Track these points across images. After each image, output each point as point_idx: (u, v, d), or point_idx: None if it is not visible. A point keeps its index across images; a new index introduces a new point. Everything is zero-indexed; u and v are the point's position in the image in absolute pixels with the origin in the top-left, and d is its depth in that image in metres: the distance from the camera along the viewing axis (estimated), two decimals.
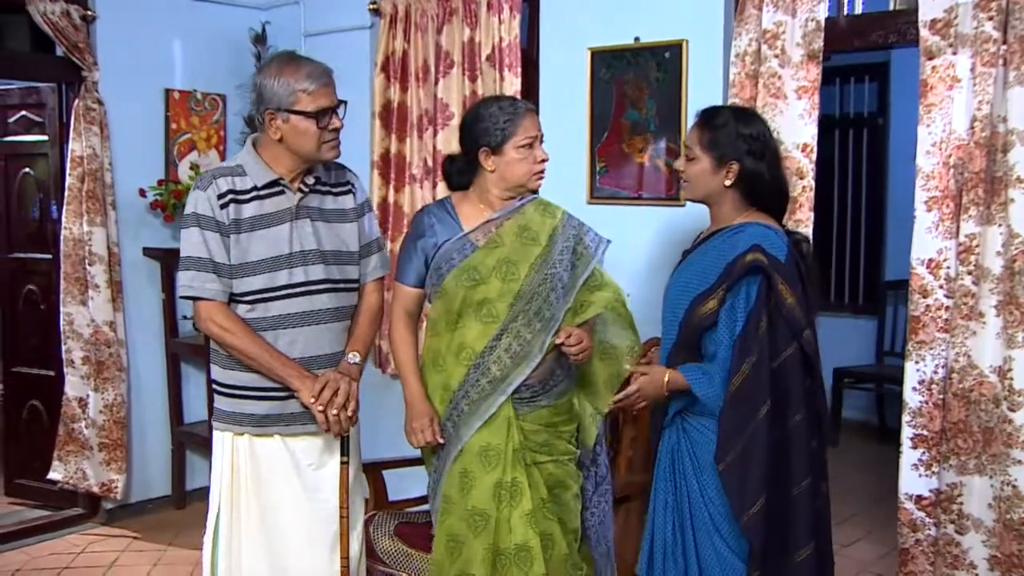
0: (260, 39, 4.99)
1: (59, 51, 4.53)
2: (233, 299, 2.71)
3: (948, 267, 3.13)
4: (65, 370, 4.61)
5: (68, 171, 4.52)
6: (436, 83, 4.41)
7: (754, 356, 2.40)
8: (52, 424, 4.72)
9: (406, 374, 2.88)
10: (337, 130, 2.70)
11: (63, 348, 4.59)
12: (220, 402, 2.79)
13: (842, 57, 6.19)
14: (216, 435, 2.80)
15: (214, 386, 2.81)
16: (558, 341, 2.73)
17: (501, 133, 2.77)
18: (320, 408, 2.62)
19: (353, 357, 2.78)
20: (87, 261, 4.53)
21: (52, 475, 4.67)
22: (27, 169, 4.90)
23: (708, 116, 2.62)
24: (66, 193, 4.53)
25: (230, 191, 2.68)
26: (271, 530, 2.76)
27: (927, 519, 3.21)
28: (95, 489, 4.65)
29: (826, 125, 7.16)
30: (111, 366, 4.60)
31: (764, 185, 2.56)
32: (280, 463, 2.77)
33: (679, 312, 2.58)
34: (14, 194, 4.97)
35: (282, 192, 2.73)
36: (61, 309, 4.58)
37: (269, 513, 2.76)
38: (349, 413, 2.67)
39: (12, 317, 5.04)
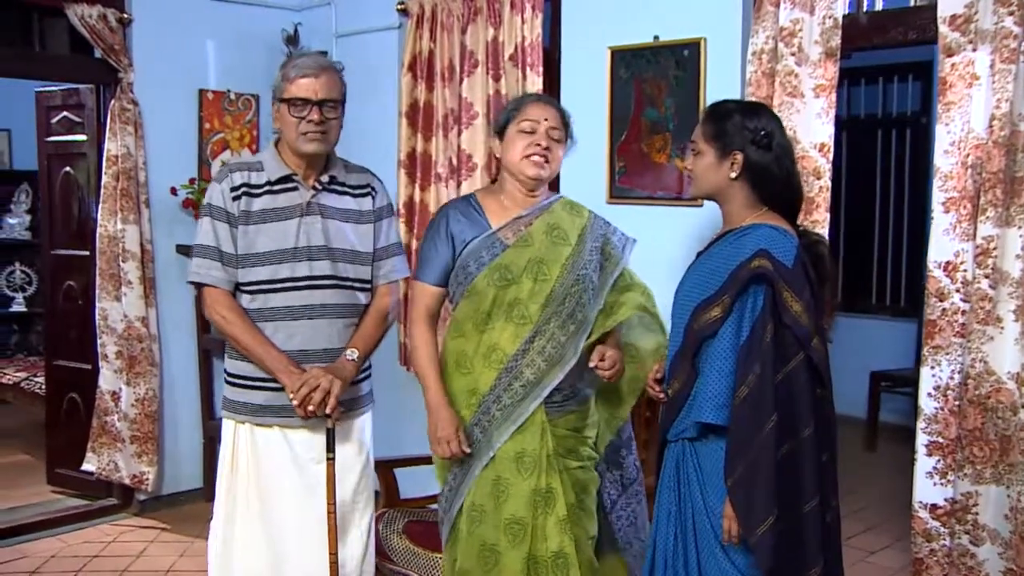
0: (292, 40, 5.05)
1: (97, 53, 4.64)
2: (239, 289, 2.78)
3: (965, 270, 3.05)
4: (100, 364, 4.73)
5: (104, 170, 4.64)
6: (461, 82, 4.42)
7: (758, 367, 2.31)
8: (88, 416, 4.84)
9: (428, 380, 2.78)
10: (314, 123, 2.70)
11: (98, 342, 4.71)
12: (227, 390, 2.88)
13: (885, 56, 6.10)
14: (223, 423, 2.88)
15: (225, 375, 2.89)
16: (592, 364, 2.68)
17: (505, 118, 2.80)
18: (297, 403, 2.66)
19: (351, 353, 2.81)
20: (121, 258, 4.63)
21: (86, 466, 4.80)
22: (68, 168, 5.03)
23: (713, 109, 2.56)
24: (102, 191, 4.64)
25: (244, 184, 2.77)
26: (270, 520, 2.81)
27: (942, 528, 3.13)
28: (127, 481, 4.76)
29: (869, 125, 7.07)
30: (143, 361, 4.70)
31: (773, 180, 2.47)
32: (279, 454, 2.82)
33: (685, 317, 2.51)
34: (56, 192, 5.10)
35: (295, 188, 2.79)
36: (96, 304, 4.69)
37: (267, 503, 2.81)
38: (328, 411, 2.69)
39: (53, 312, 5.18)
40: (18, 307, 7.03)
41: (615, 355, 2.71)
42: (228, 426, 2.85)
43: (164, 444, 4.86)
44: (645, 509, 2.97)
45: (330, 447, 2.78)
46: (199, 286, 2.81)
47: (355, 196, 2.89)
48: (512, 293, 2.72)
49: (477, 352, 2.74)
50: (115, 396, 4.72)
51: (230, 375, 2.85)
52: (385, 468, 3.63)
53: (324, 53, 4.95)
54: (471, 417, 2.73)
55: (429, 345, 2.81)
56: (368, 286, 2.91)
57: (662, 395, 2.58)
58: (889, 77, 6.93)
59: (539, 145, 2.75)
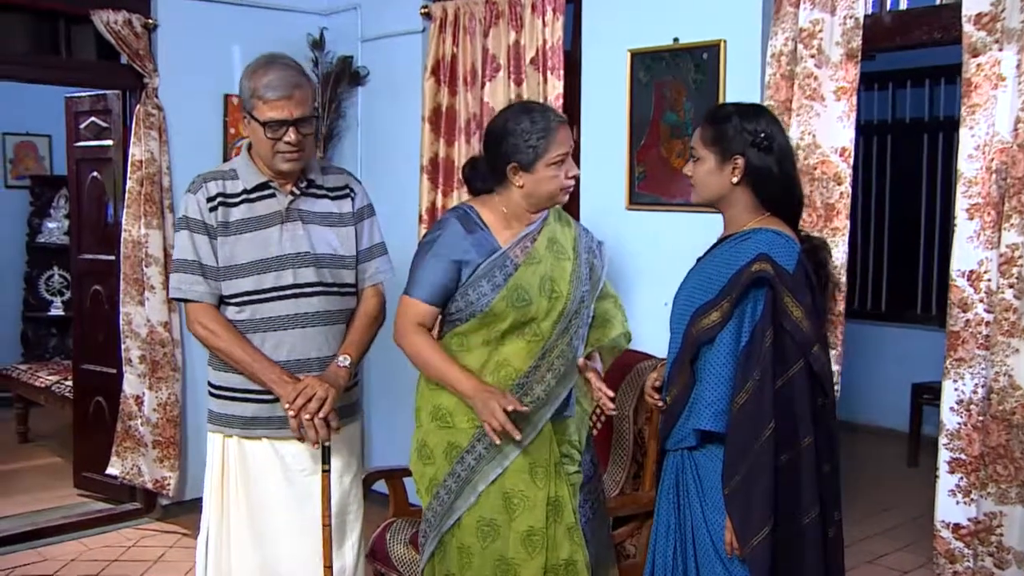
0: (318, 45, 5.02)
1: (123, 59, 4.67)
2: (223, 301, 2.73)
3: (989, 279, 2.92)
4: (124, 368, 4.74)
5: (128, 175, 4.66)
6: (483, 87, 4.36)
7: (758, 373, 2.24)
8: (113, 420, 4.85)
9: (451, 372, 2.61)
10: (291, 144, 2.63)
11: (122, 347, 4.73)
12: (211, 403, 2.83)
13: (930, 56, 5.92)
14: (208, 436, 2.84)
15: (208, 387, 2.84)
16: (606, 406, 2.65)
17: (533, 151, 2.60)
18: (293, 414, 2.59)
19: (344, 360, 2.76)
20: (144, 263, 4.64)
21: (110, 470, 4.82)
22: (95, 173, 5.07)
23: (711, 113, 2.48)
24: (126, 196, 4.66)
25: (219, 194, 2.71)
26: (261, 534, 2.77)
27: (965, 550, 2.99)
28: (149, 485, 4.77)
29: (914, 129, 6.89)
30: (165, 365, 4.70)
31: (774, 183, 2.39)
32: (269, 467, 2.78)
33: (684, 322, 2.44)
34: (85, 197, 5.15)
35: (272, 195, 2.74)
36: (120, 309, 4.71)
37: (258, 517, 2.77)
38: (322, 416, 2.61)
39: (80, 316, 5.22)
40: (56, 311, 7.13)
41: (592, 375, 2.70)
42: (215, 440, 2.81)
43: (186, 449, 4.85)
44: (604, 509, 2.91)
45: (325, 459, 2.73)
46: (182, 302, 2.75)
47: (333, 199, 2.83)
48: (531, 313, 2.65)
49: (485, 367, 2.66)
50: (138, 400, 4.73)
51: (215, 387, 2.80)
52: (395, 477, 3.58)
53: (349, 58, 4.99)
54: (474, 432, 2.65)
55: (430, 343, 2.67)
56: (354, 290, 2.86)
57: (660, 403, 2.51)
58: (936, 79, 6.73)
59: (572, 176, 2.67)
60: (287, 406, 2.60)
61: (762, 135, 2.36)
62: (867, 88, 7.16)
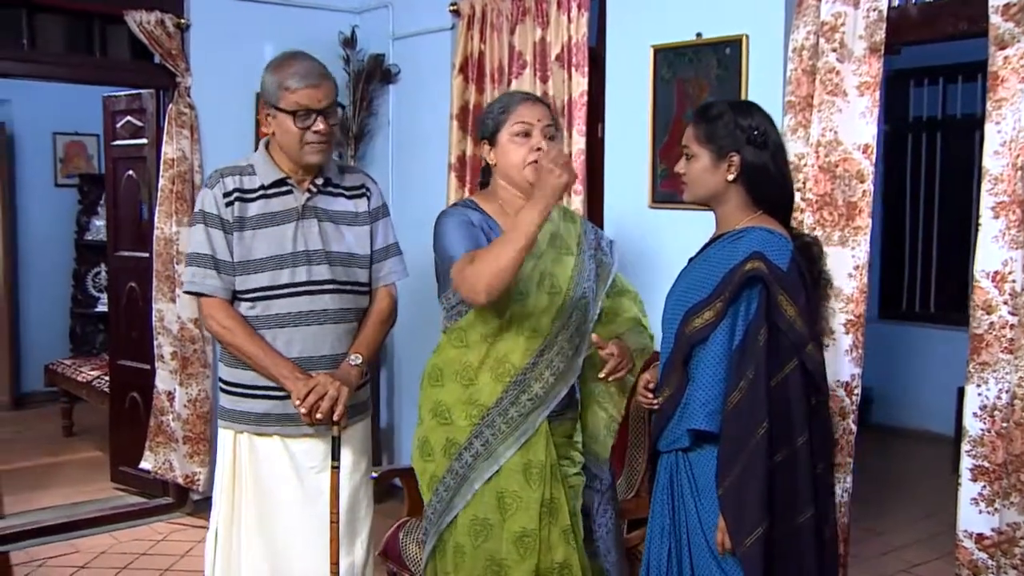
0: (349, 43, 5.04)
1: (156, 59, 4.72)
2: (236, 296, 2.73)
3: (1014, 280, 2.81)
4: (156, 364, 4.81)
5: (160, 173, 4.71)
6: (509, 84, 4.33)
7: (751, 372, 2.21)
8: (147, 416, 4.93)
9: (501, 240, 2.42)
10: (321, 133, 2.65)
11: (155, 343, 4.79)
12: (223, 399, 2.83)
13: (982, 51, 5.75)
14: (219, 432, 2.84)
15: (220, 383, 2.84)
16: (604, 368, 2.56)
17: (494, 122, 2.64)
18: (304, 411, 2.60)
19: (355, 359, 2.76)
20: (175, 260, 4.69)
21: (143, 465, 4.90)
22: (131, 171, 5.14)
23: (703, 110, 2.43)
24: (158, 194, 4.72)
25: (236, 190, 2.71)
26: (271, 530, 2.77)
27: (989, 561, 2.88)
28: (180, 480, 4.83)
29: (966, 125, 6.69)
30: (195, 362, 4.75)
31: (769, 180, 2.35)
32: (279, 464, 2.77)
33: (677, 322, 2.41)
34: (120, 195, 5.23)
35: (289, 191, 2.74)
36: (153, 306, 4.78)
37: (268, 513, 2.77)
38: (335, 418, 2.63)
39: (116, 312, 5.31)
40: (103, 307, 7.21)
41: (615, 348, 2.58)
42: (226, 436, 2.81)
43: (216, 445, 4.87)
44: (619, 518, 2.86)
45: (335, 455, 2.73)
46: (195, 296, 2.76)
47: (350, 197, 2.83)
48: (529, 307, 2.61)
49: (484, 364, 2.62)
50: (170, 396, 4.79)
51: (227, 384, 2.80)
52: (411, 476, 3.56)
53: (381, 55, 5.01)
54: (472, 429, 2.62)
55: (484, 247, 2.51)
56: (367, 289, 2.86)
57: (656, 403, 2.46)
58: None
59: (539, 150, 2.59)
60: (298, 403, 2.60)
61: (756, 131, 2.32)
62: (917, 84, 7.00)
